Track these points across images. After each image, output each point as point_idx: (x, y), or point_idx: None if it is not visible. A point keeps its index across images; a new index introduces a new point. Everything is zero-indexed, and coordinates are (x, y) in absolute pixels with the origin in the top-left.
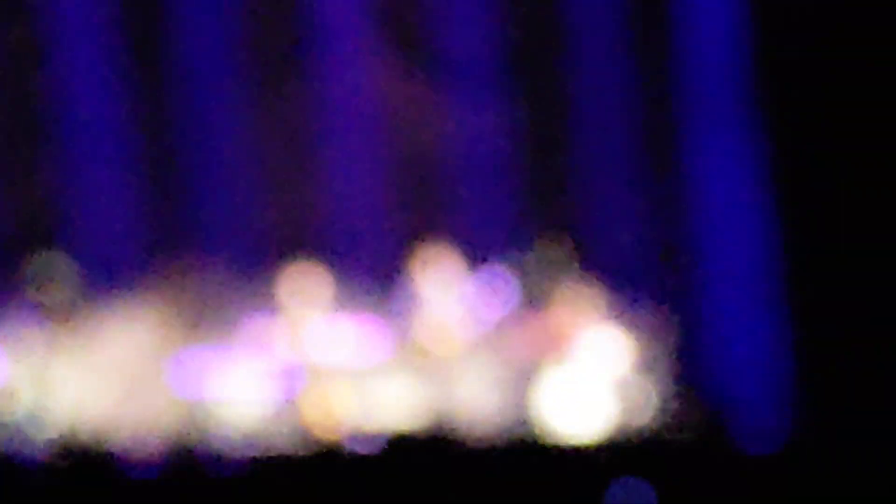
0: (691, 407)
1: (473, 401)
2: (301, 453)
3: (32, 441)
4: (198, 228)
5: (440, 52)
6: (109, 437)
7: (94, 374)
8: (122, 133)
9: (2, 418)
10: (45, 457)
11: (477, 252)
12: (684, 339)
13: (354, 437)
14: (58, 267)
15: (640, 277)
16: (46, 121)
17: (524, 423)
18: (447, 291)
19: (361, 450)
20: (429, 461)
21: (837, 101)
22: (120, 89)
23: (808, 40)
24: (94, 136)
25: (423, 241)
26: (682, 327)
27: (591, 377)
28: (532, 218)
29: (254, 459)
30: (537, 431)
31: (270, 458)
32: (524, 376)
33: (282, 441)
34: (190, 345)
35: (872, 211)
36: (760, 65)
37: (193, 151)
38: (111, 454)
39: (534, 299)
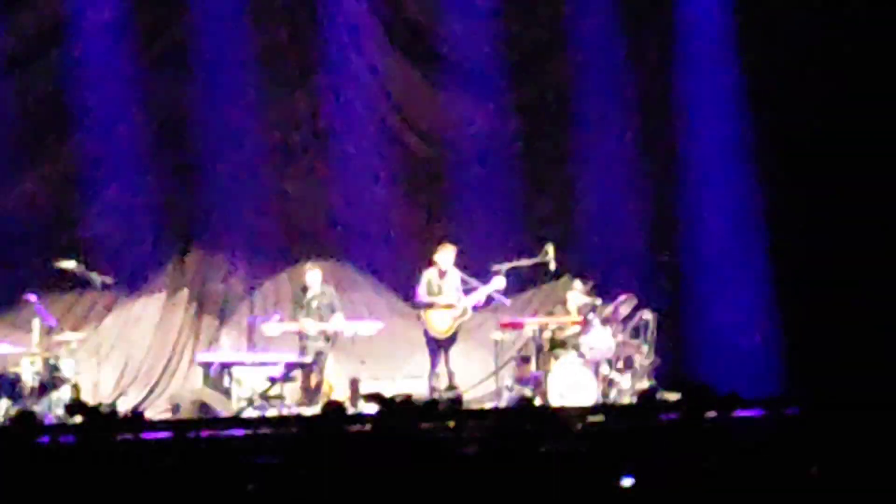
0: (688, 377)
1: (476, 375)
2: (311, 415)
3: (57, 404)
4: (217, 224)
5: (449, 56)
6: (130, 401)
7: (117, 347)
8: (145, 135)
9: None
10: (67, 418)
11: (480, 241)
12: (682, 313)
13: (362, 400)
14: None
15: (639, 255)
16: (76, 125)
17: (528, 398)
18: (453, 277)
19: (370, 412)
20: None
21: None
22: (142, 94)
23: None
24: (116, 140)
25: (429, 232)
26: (679, 299)
27: (593, 352)
28: (534, 201)
29: (266, 420)
30: (540, 406)
31: (283, 421)
32: (525, 353)
33: (293, 404)
34: (210, 327)
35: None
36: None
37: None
38: (131, 417)
39: (537, 283)
